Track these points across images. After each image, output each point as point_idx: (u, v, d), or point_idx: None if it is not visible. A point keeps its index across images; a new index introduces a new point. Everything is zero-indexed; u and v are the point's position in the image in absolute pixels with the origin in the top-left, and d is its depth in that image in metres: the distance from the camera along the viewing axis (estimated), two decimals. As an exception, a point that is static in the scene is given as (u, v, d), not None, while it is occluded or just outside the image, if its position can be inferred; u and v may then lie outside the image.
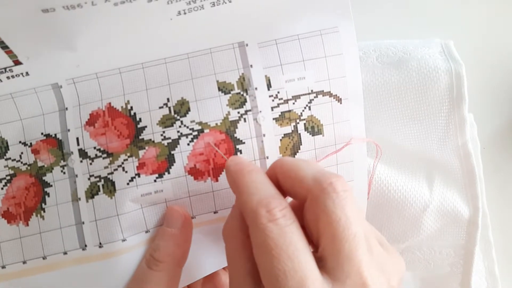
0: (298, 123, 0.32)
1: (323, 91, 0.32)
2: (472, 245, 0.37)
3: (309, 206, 0.25)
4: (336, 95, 0.32)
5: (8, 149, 0.31)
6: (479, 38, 0.42)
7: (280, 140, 0.32)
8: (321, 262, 0.24)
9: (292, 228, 0.24)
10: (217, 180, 0.31)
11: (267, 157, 0.31)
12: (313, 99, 0.32)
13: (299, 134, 0.32)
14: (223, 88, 0.31)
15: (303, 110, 0.32)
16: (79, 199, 0.30)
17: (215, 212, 0.32)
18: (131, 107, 0.30)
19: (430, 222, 0.36)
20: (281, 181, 0.27)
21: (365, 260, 0.24)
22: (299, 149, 0.32)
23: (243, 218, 0.26)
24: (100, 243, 0.30)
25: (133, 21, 0.28)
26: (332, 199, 0.24)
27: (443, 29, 0.41)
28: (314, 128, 0.32)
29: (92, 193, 0.30)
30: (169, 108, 0.31)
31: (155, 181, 0.30)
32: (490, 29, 0.42)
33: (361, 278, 0.23)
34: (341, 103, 0.32)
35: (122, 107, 0.30)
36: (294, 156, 0.32)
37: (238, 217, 0.27)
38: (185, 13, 0.28)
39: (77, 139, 0.30)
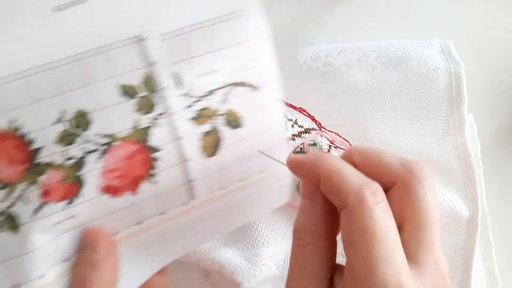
0: (217, 119, 0.30)
1: (238, 82, 0.29)
2: (472, 245, 0.37)
3: (397, 191, 0.25)
4: (252, 84, 0.30)
5: None
6: (479, 38, 0.41)
7: (200, 139, 0.29)
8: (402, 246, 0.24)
9: (390, 214, 0.24)
10: (136, 193, 0.29)
11: (189, 159, 0.30)
12: (228, 92, 0.29)
13: (219, 130, 0.30)
14: (127, 92, 0.27)
15: (219, 105, 0.29)
16: None
17: (138, 223, 0.30)
18: (19, 127, 0.26)
19: (429, 222, 0.36)
20: (360, 167, 0.26)
21: (439, 249, 0.24)
22: (221, 145, 0.30)
23: (328, 215, 0.26)
24: (16, 285, 0.26)
25: (1, 24, 0.25)
26: (424, 186, 0.24)
27: (443, 29, 0.41)
28: (234, 121, 0.30)
29: None
30: (66, 122, 0.26)
31: (66, 207, 0.27)
32: (490, 29, 0.41)
33: (439, 264, 0.24)
34: (258, 91, 0.30)
35: (7, 127, 0.26)
36: (217, 153, 0.30)
37: (320, 216, 0.26)
38: (62, 9, 0.25)
39: None
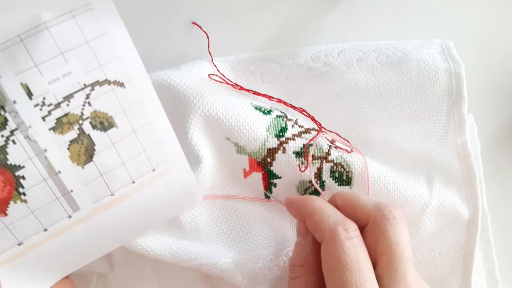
0: (82, 124, 0.28)
1: (98, 81, 0.28)
2: (472, 245, 0.37)
3: (370, 230, 0.29)
4: (115, 80, 0.28)
5: None
6: (479, 38, 0.41)
7: (68, 148, 0.28)
8: (377, 280, 0.27)
9: (363, 248, 0.27)
10: (6, 215, 0.28)
11: (59, 172, 0.28)
12: (90, 93, 0.28)
13: (88, 135, 0.28)
14: None
15: (82, 109, 0.28)
16: None
17: (19, 244, 0.29)
18: None
19: (429, 222, 0.36)
20: (341, 208, 0.31)
21: (414, 280, 0.28)
22: (94, 150, 0.29)
23: (317, 251, 0.29)
24: None
25: None
26: (392, 225, 0.28)
27: (443, 29, 0.41)
28: (104, 123, 0.29)
29: None
30: None
31: None
32: (490, 29, 0.41)
33: None
34: (124, 87, 0.29)
35: None
36: (92, 159, 0.29)
37: (310, 252, 0.30)
38: None
39: None
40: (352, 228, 0.28)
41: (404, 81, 0.35)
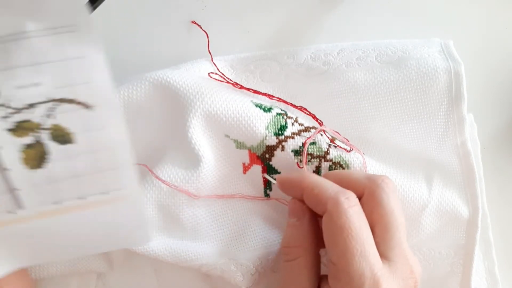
0: (41, 133, 0.29)
1: (65, 98, 0.29)
2: (472, 245, 0.37)
3: (365, 200, 0.29)
4: (83, 102, 0.29)
5: None
6: (479, 38, 0.41)
7: (23, 151, 0.29)
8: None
9: (364, 216, 0.28)
10: None
11: (9, 169, 0.29)
12: (54, 107, 0.29)
13: (44, 143, 0.29)
14: None
15: (44, 119, 0.29)
16: None
17: None
18: None
19: (429, 221, 0.36)
20: (336, 184, 0.31)
21: (407, 247, 0.29)
22: (47, 158, 0.30)
23: (313, 231, 0.31)
24: None
25: None
26: (386, 193, 0.29)
27: (443, 29, 0.41)
28: (63, 137, 0.30)
29: None
30: None
31: None
32: (490, 29, 0.41)
33: (407, 260, 0.29)
34: (91, 110, 0.29)
35: None
36: (44, 166, 0.30)
37: (306, 231, 0.31)
38: None
39: None
40: (353, 197, 0.28)
41: (404, 80, 0.35)
